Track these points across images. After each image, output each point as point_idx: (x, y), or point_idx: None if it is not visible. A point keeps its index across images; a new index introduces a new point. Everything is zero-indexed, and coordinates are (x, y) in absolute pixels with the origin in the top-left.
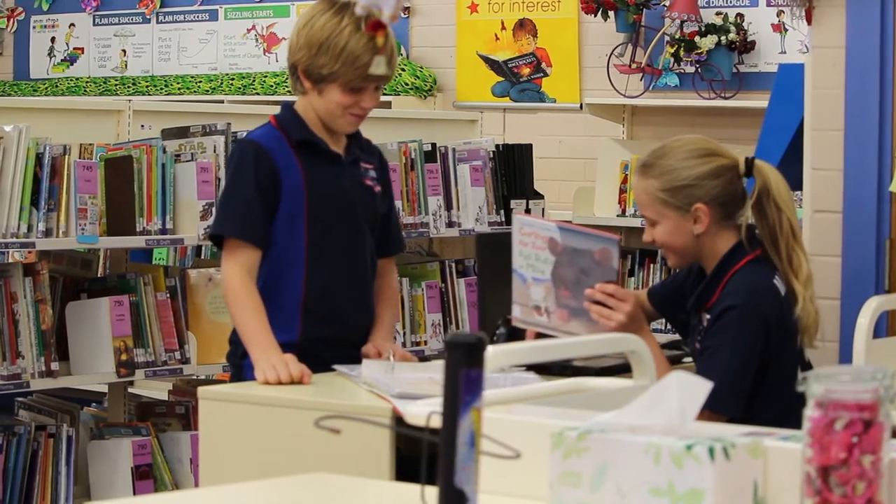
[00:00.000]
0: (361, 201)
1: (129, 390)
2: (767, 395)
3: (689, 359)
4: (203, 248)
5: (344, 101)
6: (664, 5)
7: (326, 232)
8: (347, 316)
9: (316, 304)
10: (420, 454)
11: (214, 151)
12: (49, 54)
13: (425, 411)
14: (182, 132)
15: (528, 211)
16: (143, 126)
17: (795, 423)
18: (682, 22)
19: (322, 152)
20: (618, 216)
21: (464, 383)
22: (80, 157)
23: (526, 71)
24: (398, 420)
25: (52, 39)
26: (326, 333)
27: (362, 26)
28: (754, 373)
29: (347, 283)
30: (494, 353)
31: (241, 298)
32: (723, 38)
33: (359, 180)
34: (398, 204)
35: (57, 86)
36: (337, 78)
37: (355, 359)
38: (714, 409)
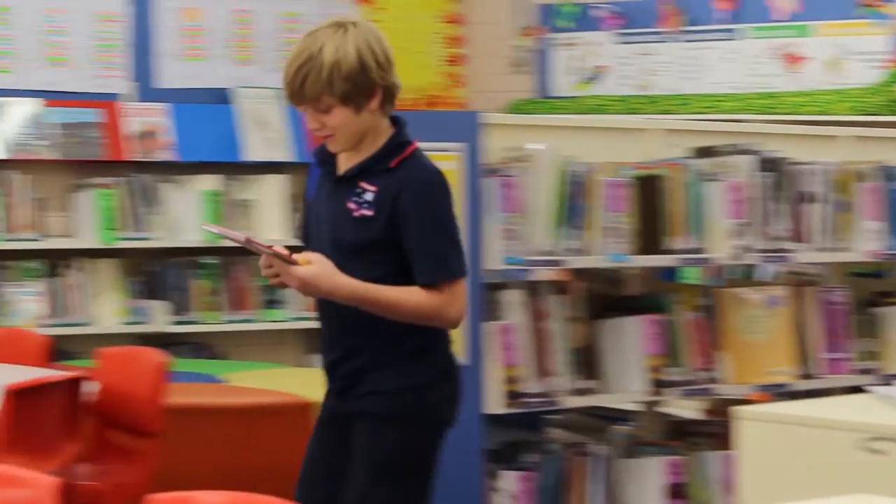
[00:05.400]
0: (335, 224)
1: (661, 409)
2: None
3: None
4: (733, 267)
5: None
6: None
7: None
8: (324, 345)
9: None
10: None
11: (743, 171)
12: (572, 73)
13: None
14: (710, 152)
15: None
16: (671, 145)
17: None
18: None
19: (327, 171)
20: None
21: None
22: (608, 176)
23: None
24: None
25: (575, 58)
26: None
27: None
28: None
29: (324, 310)
30: None
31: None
32: None
33: (342, 201)
34: None
35: (580, 104)
36: None
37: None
38: None
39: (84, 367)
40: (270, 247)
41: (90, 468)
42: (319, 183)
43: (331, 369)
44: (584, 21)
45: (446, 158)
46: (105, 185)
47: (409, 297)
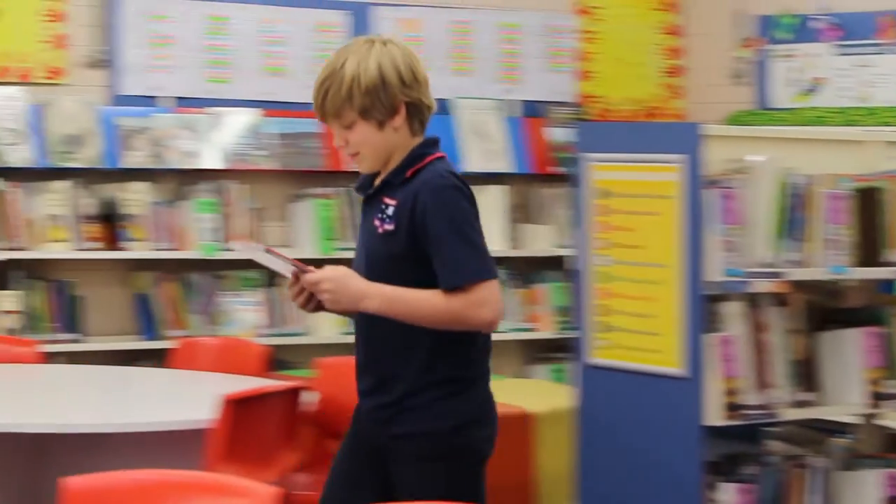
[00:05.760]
0: (368, 245)
1: (879, 421)
2: None
3: None
4: None
5: None
6: None
7: None
8: (358, 370)
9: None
10: None
11: None
12: (791, 84)
13: None
14: None
15: None
16: (890, 157)
17: None
18: None
19: (364, 195)
20: None
21: None
22: (827, 188)
23: None
24: None
25: (794, 69)
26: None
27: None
28: None
29: (357, 331)
30: None
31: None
32: None
33: (370, 220)
34: None
35: (799, 116)
36: None
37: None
38: None
39: (302, 377)
40: (288, 258)
41: (308, 478)
42: (361, 208)
43: (364, 397)
44: (803, 33)
45: (666, 170)
46: (324, 195)
47: (431, 297)
